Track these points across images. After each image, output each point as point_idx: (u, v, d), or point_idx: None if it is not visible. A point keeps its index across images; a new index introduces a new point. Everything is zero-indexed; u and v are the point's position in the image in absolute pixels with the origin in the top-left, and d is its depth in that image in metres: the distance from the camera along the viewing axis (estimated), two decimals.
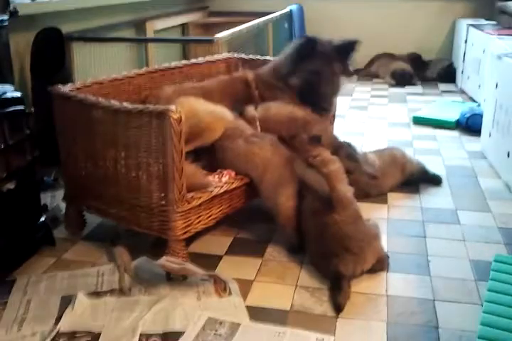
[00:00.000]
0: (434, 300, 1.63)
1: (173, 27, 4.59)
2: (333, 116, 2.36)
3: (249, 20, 4.91)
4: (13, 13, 1.87)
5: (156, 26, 4.13)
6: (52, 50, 2.67)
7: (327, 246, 1.70)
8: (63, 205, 2.06)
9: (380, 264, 1.74)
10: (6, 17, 1.86)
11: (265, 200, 1.90)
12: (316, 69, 2.13)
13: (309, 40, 2.17)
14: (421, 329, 1.51)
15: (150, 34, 4.01)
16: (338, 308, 1.59)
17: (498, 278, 1.66)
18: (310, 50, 2.15)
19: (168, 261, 1.64)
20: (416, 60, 4.83)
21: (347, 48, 2.19)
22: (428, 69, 4.81)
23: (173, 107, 1.61)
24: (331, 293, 1.65)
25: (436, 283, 1.72)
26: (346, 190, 1.76)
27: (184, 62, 2.45)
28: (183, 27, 4.83)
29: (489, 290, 1.61)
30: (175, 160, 1.63)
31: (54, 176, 2.49)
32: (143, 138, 1.68)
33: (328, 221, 1.71)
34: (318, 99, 2.14)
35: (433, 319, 1.55)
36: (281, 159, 1.89)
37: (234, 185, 1.88)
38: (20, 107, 1.69)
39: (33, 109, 1.76)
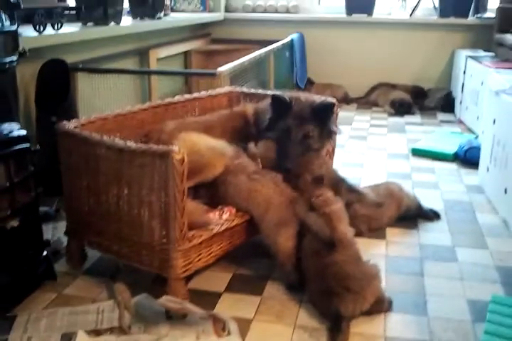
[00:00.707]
0: None
1: (176, 54, 4.68)
2: (333, 150, 2.38)
3: (251, 48, 4.99)
4: (23, 54, 1.92)
5: (159, 54, 4.20)
6: (57, 80, 2.72)
7: (327, 286, 1.71)
8: (65, 238, 2.08)
9: (379, 305, 1.75)
10: (15, 58, 1.90)
11: (265, 238, 1.92)
12: (286, 129, 2.11)
13: (282, 101, 2.15)
14: None
15: (153, 62, 4.08)
16: None
17: (494, 319, 1.68)
18: (284, 110, 2.13)
19: (168, 301, 1.66)
20: (417, 92, 4.90)
21: (324, 110, 2.14)
22: (427, 99, 4.88)
23: (176, 148, 1.64)
24: (330, 334, 1.66)
25: (433, 324, 1.73)
26: (347, 230, 1.79)
27: (187, 96, 2.49)
28: (186, 54, 4.92)
29: (486, 332, 1.62)
30: (177, 199, 1.66)
31: (56, 207, 2.52)
32: (146, 176, 1.71)
33: (328, 261, 1.73)
34: (282, 158, 2.11)
35: None
36: (283, 198, 1.92)
37: (234, 223, 1.90)
38: (26, 145, 1.72)
39: (38, 146, 1.78)
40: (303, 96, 2.24)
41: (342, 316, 1.65)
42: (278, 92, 2.28)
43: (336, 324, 1.65)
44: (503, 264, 2.11)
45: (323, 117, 2.15)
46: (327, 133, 2.17)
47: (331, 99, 2.24)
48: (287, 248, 1.85)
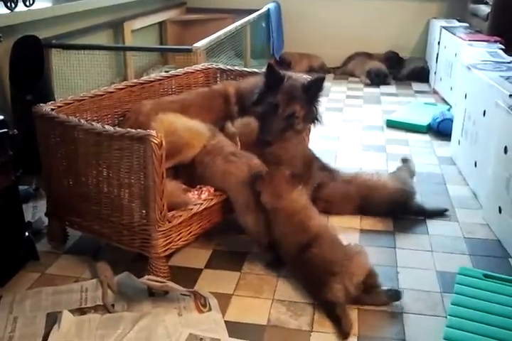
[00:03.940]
0: (402, 313, 1.74)
1: (151, 25, 4.62)
2: (309, 129, 2.42)
3: (227, 17, 4.96)
4: None
5: (133, 26, 4.15)
6: (31, 57, 2.70)
7: (314, 277, 1.76)
8: (46, 217, 2.11)
9: (371, 279, 1.77)
10: None
11: (238, 218, 1.98)
12: (274, 103, 2.14)
13: (276, 72, 2.19)
14: None
15: (128, 34, 4.03)
16: (345, 337, 1.62)
17: (461, 291, 1.76)
18: (275, 83, 2.16)
19: (149, 280, 1.71)
20: (392, 59, 4.92)
21: (314, 87, 2.18)
22: (403, 68, 4.92)
23: (154, 132, 1.66)
24: (333, 324, 1.68)
25: (404, 295, 1.81)
26: (319, 221, 1.87)
27: (163, 74, 2.49)
28: (161, 25, 4.86)
29: (453, 303, 1.71)
30: (156, 182, 1.69)
31: (35, 185, 2.53)
32: (124, 159, 1.74)
33: (308, 255, 1.78)
34: (264, 131, 2.14)
35: (401, 332, 1.65)
36: None
37: (213, 202, 1.94)
38: (4, 130, 1.73)
39: (16, 131, 1.79)
40: (294, 75, 2.27)
41: (335, 304, 1.68)
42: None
43: (333, 313, 1.68)
44: (471, 236, 2.20)
45: (313, 92, 2.18)
46: (311, 119, 2.22)
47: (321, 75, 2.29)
48: (257, 232, 1.93)
